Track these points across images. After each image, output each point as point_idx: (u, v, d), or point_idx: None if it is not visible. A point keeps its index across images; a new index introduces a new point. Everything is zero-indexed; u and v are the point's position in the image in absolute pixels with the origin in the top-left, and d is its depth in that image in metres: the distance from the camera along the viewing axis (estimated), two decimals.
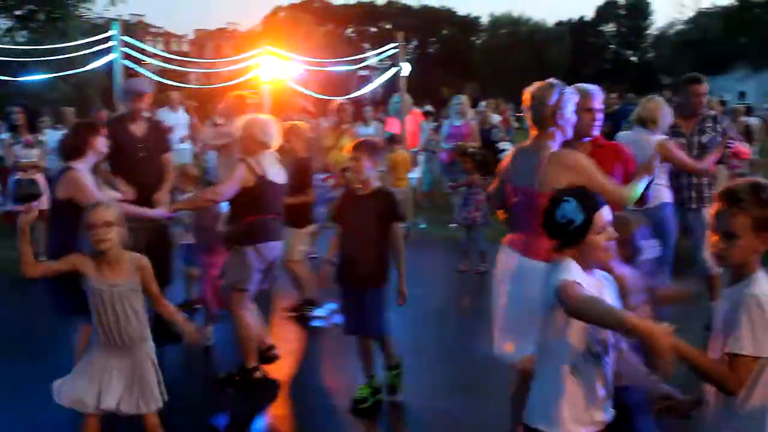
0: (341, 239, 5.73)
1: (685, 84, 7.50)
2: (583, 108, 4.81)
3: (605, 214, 3.15)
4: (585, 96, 4.85)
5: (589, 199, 3.16)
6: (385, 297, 5.67)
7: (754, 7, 72.60)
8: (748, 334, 2.77)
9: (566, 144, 4.69)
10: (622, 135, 7.32)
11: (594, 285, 3.14)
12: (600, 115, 4.94)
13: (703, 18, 75.22)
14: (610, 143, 5.21)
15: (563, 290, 2.97)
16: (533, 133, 4.67)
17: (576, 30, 76.49)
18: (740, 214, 2.80)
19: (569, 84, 4.75)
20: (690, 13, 78.23)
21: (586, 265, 3.17)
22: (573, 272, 3.09)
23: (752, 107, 23.66)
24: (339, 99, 11.51)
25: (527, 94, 4.63)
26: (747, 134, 13.32)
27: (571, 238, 3.15)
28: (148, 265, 4.61)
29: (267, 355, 6.61)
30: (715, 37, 69.35)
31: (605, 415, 3.21)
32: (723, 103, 21.51)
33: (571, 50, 71.59)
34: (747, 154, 8.39)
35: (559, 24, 78.22)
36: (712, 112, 7.79)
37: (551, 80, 4.66)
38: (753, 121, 15.27)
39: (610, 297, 3.23)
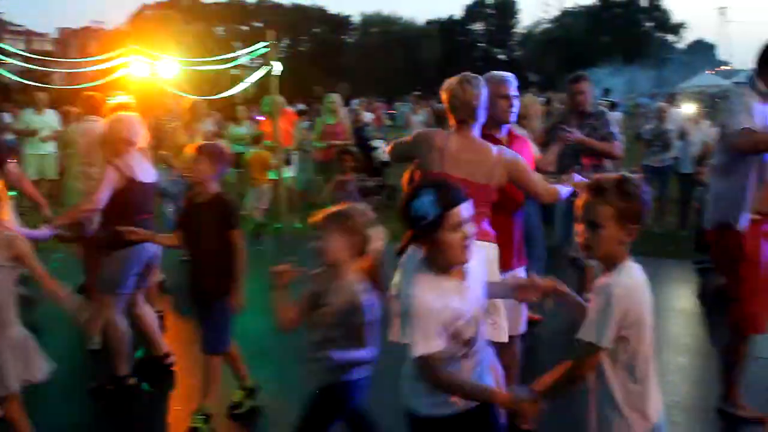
0: (185, 249, 5.34)
1: (568, 83, 7.72)
2: (499, 95, 4.87)
3: (464, 210, 3.02)
4: (500, 83, 4.92)
5: (448, 194, 3.03)
6: (227, 312, 5.29)
7: (615, 7, 75.63)
8: (591, 321, 2.91)
9: (485, 131, 4.75)
10: None
11: (451, 289, 3.06)
12: (516, 102, 5.00)
13: (567, 17, 77.86)
14: (519, 135, 5.27)
15: (425, 367, 2.97)
16: (454, 126, 4.66)
17: (446, 29, 77.84)
18: (604, 205, 2.91)
19: (441, 83, 4.79)
20: (555, 12, 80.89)
21: (441, 264, 3.05)
22: (423, 288, 3.00)
23: (617, 103, 24.56)
24: (205, 98, 11.32)
25: (444, 89, 4.66)
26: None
27: (423, 233, 3.04)
28: (23, 243, 4.42)
29: (163, 363, 6.41)
30: (579, 35, 71.87)
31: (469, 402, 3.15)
32: None
33: (441, 49, 72.75)
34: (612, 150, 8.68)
35: (430, 23, 79.41)
36: (601, 109, 7.98)
37: (466, 73, 4.68)
38: (617, 115, 15.83)
39: (478, 275, 3.23)
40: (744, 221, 4.86)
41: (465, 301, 3.07)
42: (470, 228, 3.04)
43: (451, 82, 4.66)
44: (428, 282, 3.02)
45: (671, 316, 7.77)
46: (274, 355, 6.79)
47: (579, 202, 3.01)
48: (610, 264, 3.00)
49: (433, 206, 2.97)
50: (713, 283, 8.39)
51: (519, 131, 6.43)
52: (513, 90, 4.96)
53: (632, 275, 2.98)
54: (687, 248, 9.66)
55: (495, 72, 5.06)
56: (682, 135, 11.38)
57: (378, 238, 3.70)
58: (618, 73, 59.64)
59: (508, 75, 5.03)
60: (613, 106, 17.77)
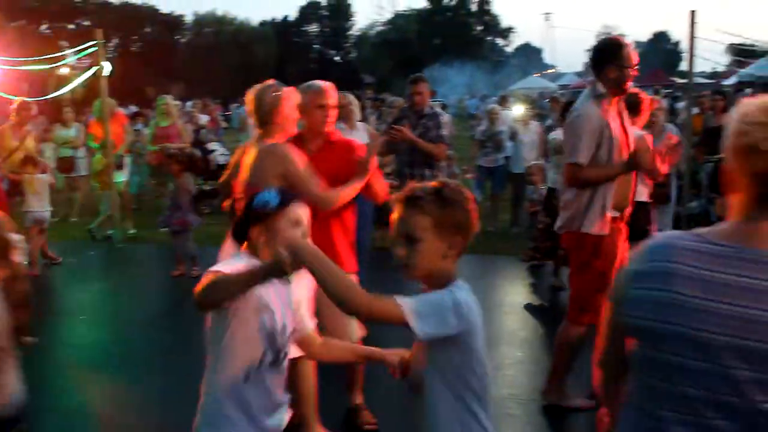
0: None
1: (407, 84, 7.84)
2: (316, 105, 4.84)
3: (303, 211, 3.00)
4: (317, 93, 4.89)
5: (289, 193, 3.05)
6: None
7: (446, 11, 77.62)
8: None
9: (299, 140, 4.74)
10: None
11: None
12: (334, 112, 4.97)
13: (400, 20, 79.22)
14: (343, 140, 5.21)
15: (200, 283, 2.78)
16: (258, 132, 4.64)
17: (280, 30, 77.55)
18: (420, 216, 2.57)
19: (282, 83, 4.75)
20: (388, 15, 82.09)
21: (264, 258, 2.92)
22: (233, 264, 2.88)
23: (447, 104, 25.14)
24: (32, 99, 10.78)
25: (249, 96, 4.63)
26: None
27: (260, 219, 2.96)
28: None
29: None
30: (412, 38, 73.31)
31: (276, 420, 3.07)
32: None
33: (277, 50, 72.44)
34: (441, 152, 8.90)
35: (264, 24, 78.90)
36: (437, 110, 8.14)
37: (270, 81, 4.66)
38: (447, 117, 16.17)
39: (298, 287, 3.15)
40: (596, 226, 5.06)
41: (277, 301, 3.00)
42: (305, 231, 2.99)
43: (253, 89, 4.65)
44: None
45: (507, 311, 8.00)
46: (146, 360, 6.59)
47: (392, 216, 2.65)
48: (437, 285, 2.62)
49: (275, 197, 2.94)
50: (547, 279, 8.75)
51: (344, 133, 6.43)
52: (331, 100, 4.95)
53: (464, 296, 2.60)
54: (520, 245, 9.97)
55: (314, 81, 5.04)
56: (513, 136, 11.76)
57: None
58: (449, 75, 61.22)
59: (327, 85, 5.02)
60: (443, 107, 18.15)
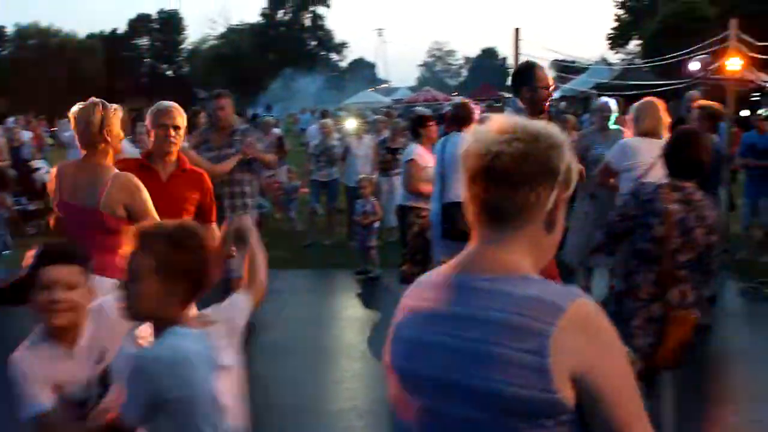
0: None
1: (212, 99, 7.70)
2: (158, 124, 4.77)
3: (54, 272, 2.82)
4: (157, 113, 4.81)
5: (48, 252, 2.86)
6: None
7: (279, 26, 77.57)
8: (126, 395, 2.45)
9: (148, 163, 4.70)
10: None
11: (56, 356, 2.88)
12: (179, 131, 4.87)
13: (233, 34, 78.47)
14: (194, 169, 5.11)
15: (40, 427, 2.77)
16: (83, 152, 4.45)
17: (109, 43, 75.17)
18: (144, 256, 2.43)
19: (112, 97, 4.63)
20: (221, 29, 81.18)
21: (46, 328, 2.85)
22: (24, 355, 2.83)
23: (280, 119, 25.12)
24: None
25: (71, 115, 4.44)
26: (279, 145, 14.12)
27: (12, 293, 2.87)
28: None
29: None
30: (247, 52, 72.77)
31: None
32: (255, 116, 22.37)
33: (105, 64, 70.14)
34: (274, 162, 8.88)
35: (91, 36, 76.26)
36: (243, 126, 8.06)
37: (94, 99, 4.48)
38: (278, 131, 16.14)
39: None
40: None
41: (74, 367, 2.90)
42: (60, 293, 2.82)
43: (77, 107, 4.51)
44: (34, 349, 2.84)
45: (344, 324, 8.06)
46: None
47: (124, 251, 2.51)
48: (158, 326, 2.47)
49: (31, 264, 2.78)
50: (383, 291, 8.86)
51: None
52: (172, 120, 4.86)
53: (179, 345, 2.39)
54: (355, 259, 10.05)
55: (162, 102, 4.97)
56: (347, 150, 11.86)
57: None
58: (283, 89, 61.25)
59: (171, 105, 4.94)
60: (275, 122, 18.10)
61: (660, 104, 6.21)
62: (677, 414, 4.42)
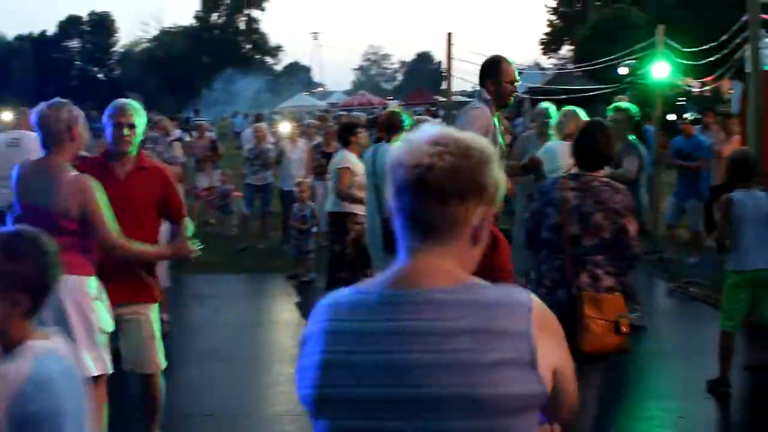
0: None
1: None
2: (114, 123, 4.69)
3: None
4: (115, 111, 4.72)
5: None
6: None
7: (214, 29, 76.96)
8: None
9: (105, 162, 4.67)
10: None
11: None
12: (134, 130, 4.78)
13: (166, 37, 77.61)
14: (155, 166, 5.02)
15: None
16: (46, 151, 4.40)
17: (38, 45, 73.69)
18: None
19: (37, 101, 4.58)
20: (154, 32, 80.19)
21: None
22: None
23: (214, 123, 24.93)
24: None
25: (35, 115, 4.40)
26: (213, 149, 14.02)
27: None
28: None
29: None
30: (180, 55, 72.00)
31: None
32: (187, 120, 22.16)
33: (34, 66, 68.74)
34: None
35: (20, 38, 74.68)
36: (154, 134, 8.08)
37: (59, 99, 4.44)
38: (213, 135, 16.03)
39: None
40: None
41: None
42: None
43: (45, 106, 4.46)
44: None
45: (279, 328, 8.04)
46: None
47: None
48: (4, 344, 2.27)
49: None
50: (318, 295, 8.83)
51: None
52: (127, 118, 4.79)
53: (41, 363, 2.19)
54: (290, 263, 10.01)
55: (117, 100, 4.90)
56: (281, 154, 11.80)
57: None
58: (216, 93, 60.74)
59: (125, 103, 4.87)
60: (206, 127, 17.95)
61: (580, 112, 6.56)
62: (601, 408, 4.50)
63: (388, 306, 1.68)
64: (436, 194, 1.67)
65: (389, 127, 7.18)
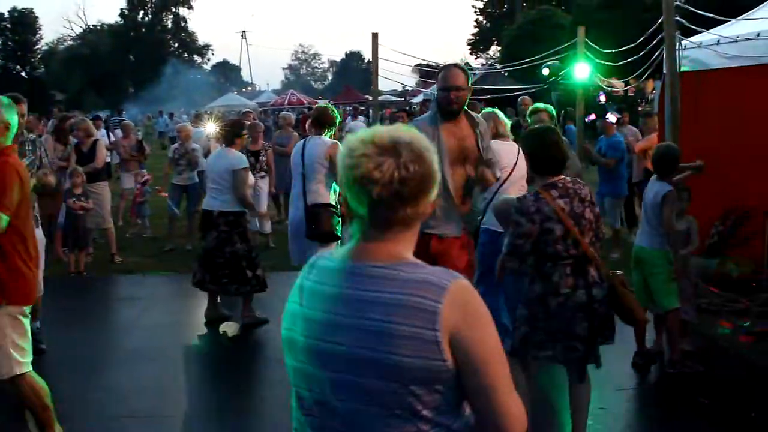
0: None
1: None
2: None
3: None
4: None
5: None
6: None
7: (140, 27, 75.83)
8: None
9: None
10: None
11: None
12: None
13: (91, 35, 76.20)
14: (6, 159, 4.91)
15: None
16: None
17: None
18: None
19: None
20: (78, 29, 78.68)
21: None
22: None
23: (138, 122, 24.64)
24: None
25: None
26: (140, 149, 13.89)
27: None
28: None
29: None
30: (106, 53, 70.77)
31: None
32: (106, 119, 21.76)
33: None
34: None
35: None
36: (32, 136, 8.01)
37: None
38: (139, 135, 15.88)
39: None
40: None
41: None
42: None
43: None
44: None
45: (206, 328, 7.98)
46: None
47: None
48: None
49: None
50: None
51: None
52: None
53: None
54: None
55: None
56: (207, 153, 11.70)
57: None
58: (141, 92, 59.95)
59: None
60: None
61: (500, 113, 6.73)
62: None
63: (339, 273, 1.97)
64: (401, 200, 1.90)
65: (319, 123, 7.32)
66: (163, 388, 6.29)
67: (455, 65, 5.61)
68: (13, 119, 4.65)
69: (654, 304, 6.52)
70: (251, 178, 7.78)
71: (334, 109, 8.09)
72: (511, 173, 6.33)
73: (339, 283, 1.96)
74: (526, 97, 10.88)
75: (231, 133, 7.98)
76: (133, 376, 6.38)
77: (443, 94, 5.33)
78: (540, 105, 7.83)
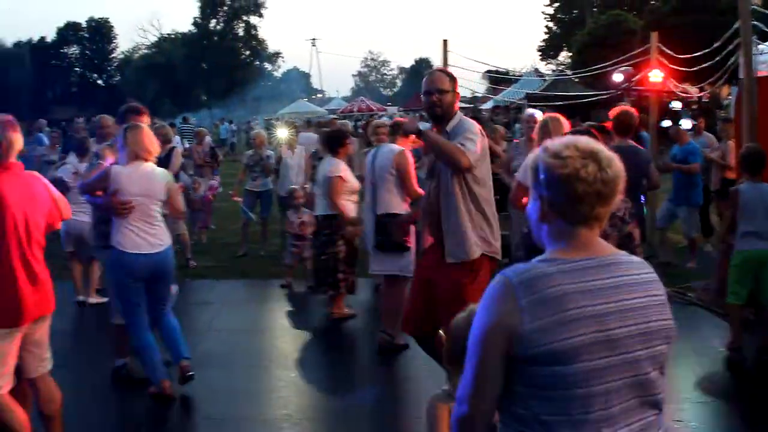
0: None
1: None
2: None
3: None
4: None
5: None
6: None
7: (213, 35, 77.01)
8: None
9: None
10: None
11: None
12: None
13: (165, 43, 77.69)
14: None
15: None
16: None
17: (37, 51, 73.73)
18: None
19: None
20: (153, 38, 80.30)
21: None
22: None
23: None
24: None
25: None
26: (213, 155, 14.16)
27: None
28: None
29: None
30: (179, 61, 72.06)
31: None
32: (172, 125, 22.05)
33: (34, 72, 68.77)
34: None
35: (19, 45, 74.73)
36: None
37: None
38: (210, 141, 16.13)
39: None
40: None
41: None
42: None
43: None
44: None
45: (278, 335, 8.08)
46: None
47: None
48: None
49: None
50: (314, 302, 8.88)
51: None
52: None
53: None
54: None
55: None
56: (279, 160, 11.84)
57: None
58: (215, 100, 60.84)
59: None
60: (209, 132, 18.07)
61: (563, 119, 6.20)
62: None
63: (602, 268, 2.19)
64: (589, 203, 2.17)
65: (395, 130, 7.38)
66: (235, 389, 6.39)
67: (439, 69, 5.59)
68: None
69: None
70: (348, 185, 7.87)
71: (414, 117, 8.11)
72: None
73: (608, 274, 2.18)
74: (624, 104, 10.64)
75: (335, 143, 8.05)
76: (204, 379, 6.46)
77: (425, 98, 5.31)
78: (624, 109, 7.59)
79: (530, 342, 2.08)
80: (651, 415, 2.21)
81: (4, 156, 4.49)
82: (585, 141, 2.21)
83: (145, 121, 6.51)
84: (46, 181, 4.85)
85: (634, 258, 2.29)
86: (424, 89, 5.25)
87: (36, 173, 4.84)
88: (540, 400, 2.13)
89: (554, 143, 2.22)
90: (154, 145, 6.03)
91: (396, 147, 7.26)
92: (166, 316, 6.14)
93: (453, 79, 5.33)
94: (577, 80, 28.49)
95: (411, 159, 7.30)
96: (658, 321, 2.21)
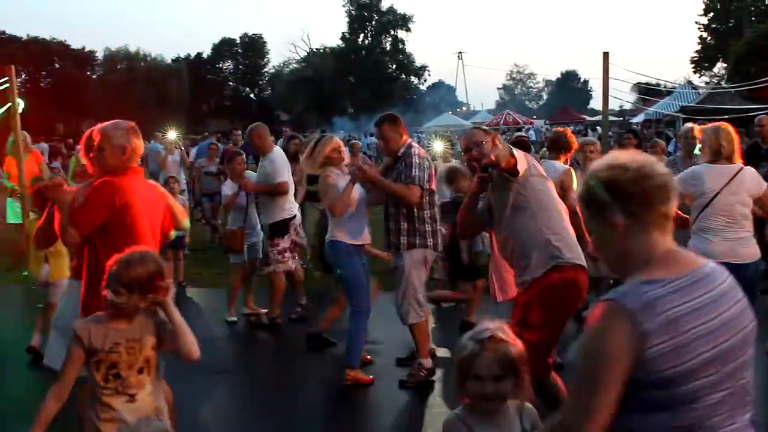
0: None
1: None
2: None
3: None
4: None
5: None
6: None
7: (360, 50, 78.39)
8: None
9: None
10: None
11: None
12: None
13: (314, 58, 79.61)
14: None
15: None
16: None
17: (194, 66, 76.93)
18: None
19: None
20: (302, 53, 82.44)
21: None
22: None
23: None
24: None
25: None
26: None
27: None
28: None
29: None
30: (328, 75, 73.66)
31: None
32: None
33: (190, 86, 71.80)
34: None
35: (177, 60, 78.19)
36: (409, 151, 6.80)
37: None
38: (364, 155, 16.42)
39: None
40: None
41: None
42: None
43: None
44: None
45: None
46: None
47: None
48: None
49: None
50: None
51: None
52: None
53: None
54: None
55: None
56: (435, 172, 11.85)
57: None
58: (364, 114, 61.76)
59: None
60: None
61: (731, 128, 5.95)
62: None
63: (700, 281, 2.20)
64: (669, 210, 2.29)
65: (556, 146, 7.32)
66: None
67: (473, 127, 5.78)
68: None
69: None
70: None
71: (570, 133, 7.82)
72: (712, 200, 5.87)
73: (707, 289, 2.19)
74: (765, 117, 10.13)
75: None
76: None
77: (466, 155, 5.39)
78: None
79: (653, 366, 2.07)
80: (746, 416, 2.22)
81: (130, 160, 4.64)
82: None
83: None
84: (163, 190, 5.02)
85: (710, 263, 2.30)
86: (463, 147, 5.49)
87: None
88: (645, 420, 2.14)
89: (634, 158, 2.34)
90: None
91: (561, 165, 7.23)
92: None
93: (486, 131, 5.48)
94: (734, 92, 27.41)
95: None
96: (750, 325, 2.24)
